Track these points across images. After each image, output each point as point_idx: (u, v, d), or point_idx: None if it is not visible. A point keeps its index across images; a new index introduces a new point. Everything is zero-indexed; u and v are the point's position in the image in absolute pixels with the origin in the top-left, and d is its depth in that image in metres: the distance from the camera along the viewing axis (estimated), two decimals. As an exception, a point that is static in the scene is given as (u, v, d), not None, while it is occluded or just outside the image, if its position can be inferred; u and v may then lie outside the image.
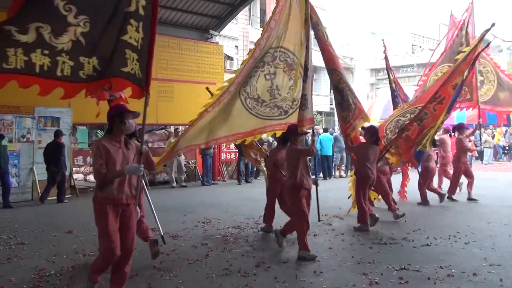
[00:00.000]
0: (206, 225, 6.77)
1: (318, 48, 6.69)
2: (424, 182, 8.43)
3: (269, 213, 6.25)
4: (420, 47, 39.27)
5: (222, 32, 14.58)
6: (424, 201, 8.38)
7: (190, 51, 12.52)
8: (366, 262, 4.75)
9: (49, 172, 9.06)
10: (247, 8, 19.34)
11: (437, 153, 9.89)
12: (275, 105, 5.94)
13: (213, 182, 12.39)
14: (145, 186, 5.72)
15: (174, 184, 11.74)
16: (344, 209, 7.74)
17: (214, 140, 5.79)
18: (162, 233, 5.21)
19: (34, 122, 9.46)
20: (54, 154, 9.00)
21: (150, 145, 11.53)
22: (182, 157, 11.91)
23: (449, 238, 5.75)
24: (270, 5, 23.81)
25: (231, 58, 21.75)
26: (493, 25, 7.32)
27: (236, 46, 22.09)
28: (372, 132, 6.42)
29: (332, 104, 26.07)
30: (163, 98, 11.92)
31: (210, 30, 13.52)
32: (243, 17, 20.43)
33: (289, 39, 5.84)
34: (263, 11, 24.19)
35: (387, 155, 7.39)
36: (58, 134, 9.18)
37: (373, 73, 35.94)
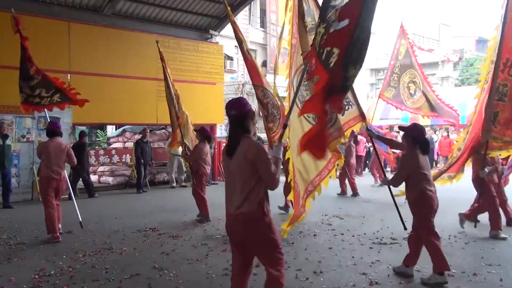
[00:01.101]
0: (206, 225, 6.77)
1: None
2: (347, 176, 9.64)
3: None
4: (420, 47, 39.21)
5: (222, 32, 14.55)
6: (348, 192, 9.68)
7: (190, 51, 12.52)
8: (366, 262, 4.75)
9: (74, 171, 9.70)
10: (247, 8, 19.34)
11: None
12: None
13: (213, 182, 12.38)
14: (71, 188, 6.70)
15: (174, 184, 11.74)
16: (344, 209, 7.73)
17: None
18: (81, 219, 6.48)
19: (34, 122, 9.47)
20: (79, 153, 9.46)
21: (150, 145, 11.52)
22: (182, 157, 11.91)
23: (449, 238, 5.76)
24: (270, 5, 23.80)
25: (231, 58, 21.75)
26: None
27: (236, 46, 22.05)
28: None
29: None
30: (163, 98, 11.89)
31: (210, 30, 13.50)
32: (243, 17, 20.45)
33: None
34: (263, 11, 24.17)
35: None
36: (83, 134, 10.22)
37: (373, 73, 35.91)
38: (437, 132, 16.80)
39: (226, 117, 3.25)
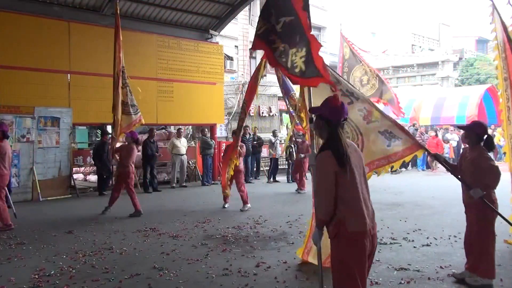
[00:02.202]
0: (206, 225, 6.77)
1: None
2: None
3: (113, 198, 7.83)
4: (420, 47, 39.26)
5: (222, 32, 14.56)
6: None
7: (190, 51, 12.52)
8: (366, 262, 4.74)
9: (97, 170, 10.46)
10: (247, 8, 19.33)
11: None
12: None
13: (213, 182, 12.37)
14: (7, 192, 6.77)
15: (174, 184, 11.75)
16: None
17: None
18: (15, 212, 6.98)
19: (34, 122, 9.46)
20: (101, 152, 10.18)
21: (157, 145, 11.54)
22: (185, 157, 11.89)
23: (449, 238, 5.76)
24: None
25: (231, 58, 21.74)
26: None
27: (236, 46, 22.09)
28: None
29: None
30: (163, 98, 11.92)
31: (210, 30, 13.51)
32: (243, 17, 20.42)
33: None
34: (263, 11, 24.10)
35: None
36: (104, 133, 10.72)
37: (373, 73, 35.99)
38: (438, 132, 16.80)
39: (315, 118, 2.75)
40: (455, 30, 45.62)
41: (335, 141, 2.59)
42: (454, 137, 16.82)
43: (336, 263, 2.62)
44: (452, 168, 4.32)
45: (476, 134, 4.12)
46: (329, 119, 2.65)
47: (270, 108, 17.30)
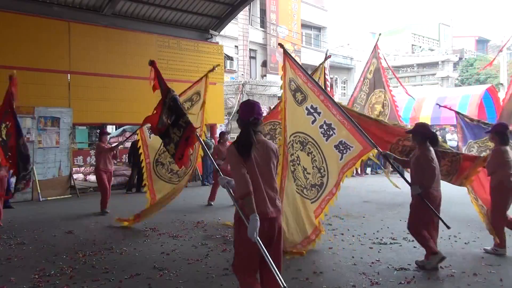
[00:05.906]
0: (206, 225, 6.77)
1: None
2: None
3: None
4: (420, 47, 39.25)
5: (222, 32, 14.57)
6: None
7: (190, 51, 12.53)
8: (366, 262, 4.75)
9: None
10: (247, 8, 19.35)
11: None
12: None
13: (213, 182, 12.36)
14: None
15: (174, 184, 11.73)
16: (344, 209, 7.73)
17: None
18: None
19: (34, 122, 9.45)
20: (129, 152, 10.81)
21: None
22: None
23: (449, 238, 5.76)
24: (270, 5, 23.79)
25: (231, 58, 21.73)
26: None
27: (236, 46, 22.08)
28: None
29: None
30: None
31: (210, 30, 13.51)
32: (243, 17, 20.44)
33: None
34: (263, 11, 24.15)
35: None
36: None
37: (373, 73, 35.99)
38: (437, 132, 16.77)
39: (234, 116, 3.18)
40: (455, 30, 45.66)
41: (241, 137, 2.95)
42: (455, 137, 16.82)
43: (236, 242, 3.00)
44: (403, 164, 4.96)
45: (421, 133, 4.60)
46: (240, 118, 3.03)
47: (270, 108, 17.31)
